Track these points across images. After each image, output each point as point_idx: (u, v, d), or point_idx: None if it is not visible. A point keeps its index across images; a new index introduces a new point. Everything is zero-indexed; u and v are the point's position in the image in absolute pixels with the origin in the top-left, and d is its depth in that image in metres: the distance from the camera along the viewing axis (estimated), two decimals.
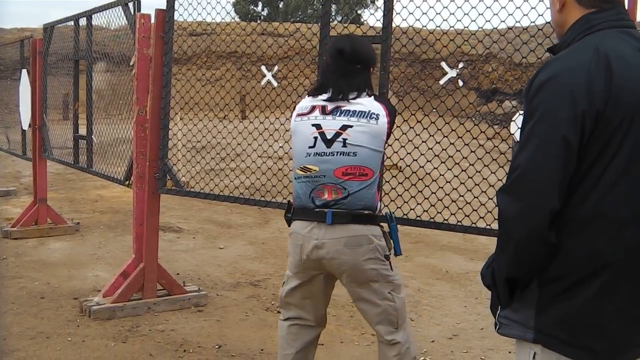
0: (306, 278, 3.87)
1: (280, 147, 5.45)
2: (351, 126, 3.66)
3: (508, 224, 2.26)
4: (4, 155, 13.86)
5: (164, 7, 5.81)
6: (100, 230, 9.42)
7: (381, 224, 3.85)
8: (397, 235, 3.90)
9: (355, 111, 3.69)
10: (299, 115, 3.85)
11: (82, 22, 7.56)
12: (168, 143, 5.90)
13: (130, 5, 6.27)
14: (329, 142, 3.68)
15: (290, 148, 3.98)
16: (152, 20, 5.91)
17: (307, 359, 4.08)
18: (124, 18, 6.43)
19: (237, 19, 46.48)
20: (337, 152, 3.66)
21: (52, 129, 8.90)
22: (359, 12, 49.37)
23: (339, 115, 3.70)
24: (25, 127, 9.76)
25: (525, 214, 2.20)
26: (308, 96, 3.91)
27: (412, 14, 4.56)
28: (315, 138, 3.71)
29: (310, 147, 3.72)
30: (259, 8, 58.12)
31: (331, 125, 3.70)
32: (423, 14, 4.51)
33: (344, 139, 3.66)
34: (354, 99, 3.74)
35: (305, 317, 3.99)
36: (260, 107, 5.71)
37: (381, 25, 4.62)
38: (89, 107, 7.33)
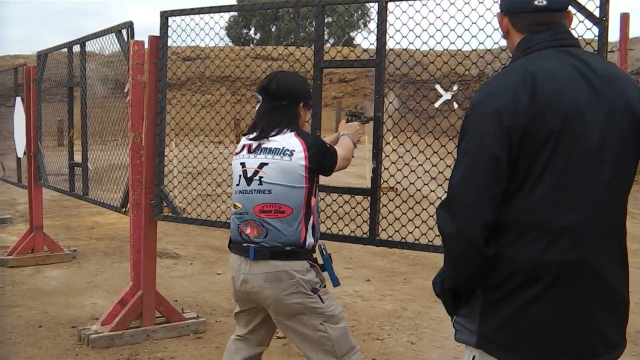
0: (244, 307, 4.06)
1: None
2: (267, 164, 3.80)
3: (445, 239, 2.40)
4: None
5: (157, 34, 5.82)
6: (97, 258, 9.39)
7: (314, 257, 3.91)
8: (330, 267, 3.96)
9: (272, 148, 3.81)
10: (235, 154, 4.01)
11: (76, 48, 7.57)
12: (164, 169, 5.89)
13: (124, 32, 6.27)
14: (248, 180, 3.85)
15: None
16: (146, 47, 5.92)
17: None
18: (118, 44, 6.43)
19: (230, 43, 46.64)
20: (255, 190, 3.82)
21: (47, 156, 8.88)
22: (351, 34, 49.59)
23: (259, 154, 3.84)
24: (20, 154, 9.73)
25: (459, 228, 2.33)
26: (243, 135, 4.06)
27: (405, 37, 4.58)
28: (240, 176, 3.90)
29: (237, 185, 3.92)
30: (252, 32, 58.38)
31: (252, 163, 3.86)
32: (416, 36, 4.52)
33: (260, 177, 3.81)
34: (273, 135, 3.84)
35: (249, 337, 4.13)
36: None
37: (375, 49, 4.63)
38: (84, 134, 7.32)
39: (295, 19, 53.91)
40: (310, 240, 3.85)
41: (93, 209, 12.89)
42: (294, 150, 3.75)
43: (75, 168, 7.72)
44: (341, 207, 4.74)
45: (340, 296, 7.41)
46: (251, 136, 3.92)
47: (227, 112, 5.75)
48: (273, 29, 56.25)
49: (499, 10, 2.60)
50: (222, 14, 5.53)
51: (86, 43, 7.19)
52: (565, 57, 2.41)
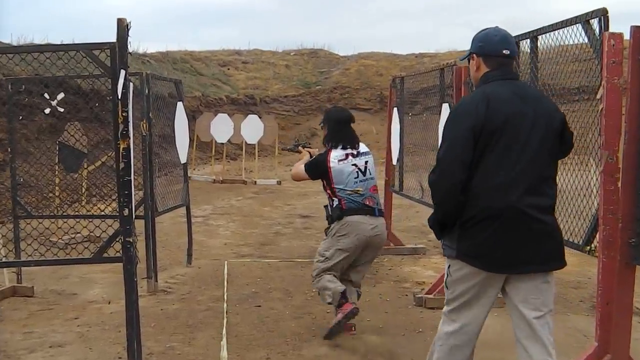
0: (353, 253, 6.54)
1: None
2: (367, 161, 6.79)
3: (433, 189, 4.14)
4: (405, 206, 12.89)
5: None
6: None
7: None
8: None
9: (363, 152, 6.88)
10: (340, 161, 6.61)
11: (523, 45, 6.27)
12: None
13: (594, 22, 4.99)
14: (363, 173, 6.67)
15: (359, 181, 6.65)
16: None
17: None
18: (584, 38, 5.15)
19: None
20: (368, 178, 6.71)
21: None
22: None
23: (360, 157, 6.79)
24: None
25: (442, 181, 4.02)
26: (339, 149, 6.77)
27: None
28: (358, 172, 6.62)
29: (355, 178, 6.58)
30: None
31: (360, 162, 6.69)
32: None
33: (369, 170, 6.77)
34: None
35: (349, 277, 6.91)
36: None
37: None
38: None
39: None
40: None
41: None
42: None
43: None
44: None
45: None
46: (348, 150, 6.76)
47: None
48: None
49: (474, 53, 4.24)
50: None
51: (538, 37, 5.92)
52: (508, 85, 4.09)
